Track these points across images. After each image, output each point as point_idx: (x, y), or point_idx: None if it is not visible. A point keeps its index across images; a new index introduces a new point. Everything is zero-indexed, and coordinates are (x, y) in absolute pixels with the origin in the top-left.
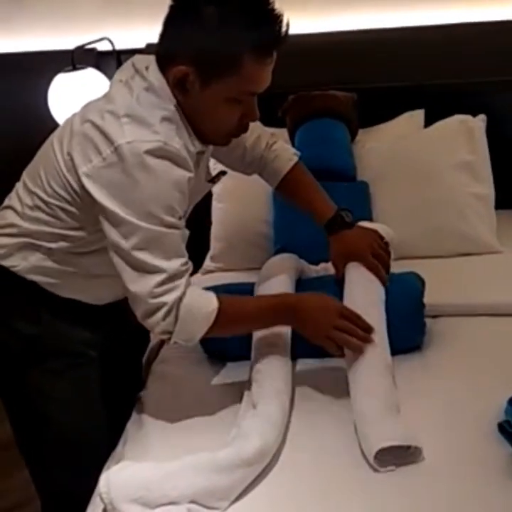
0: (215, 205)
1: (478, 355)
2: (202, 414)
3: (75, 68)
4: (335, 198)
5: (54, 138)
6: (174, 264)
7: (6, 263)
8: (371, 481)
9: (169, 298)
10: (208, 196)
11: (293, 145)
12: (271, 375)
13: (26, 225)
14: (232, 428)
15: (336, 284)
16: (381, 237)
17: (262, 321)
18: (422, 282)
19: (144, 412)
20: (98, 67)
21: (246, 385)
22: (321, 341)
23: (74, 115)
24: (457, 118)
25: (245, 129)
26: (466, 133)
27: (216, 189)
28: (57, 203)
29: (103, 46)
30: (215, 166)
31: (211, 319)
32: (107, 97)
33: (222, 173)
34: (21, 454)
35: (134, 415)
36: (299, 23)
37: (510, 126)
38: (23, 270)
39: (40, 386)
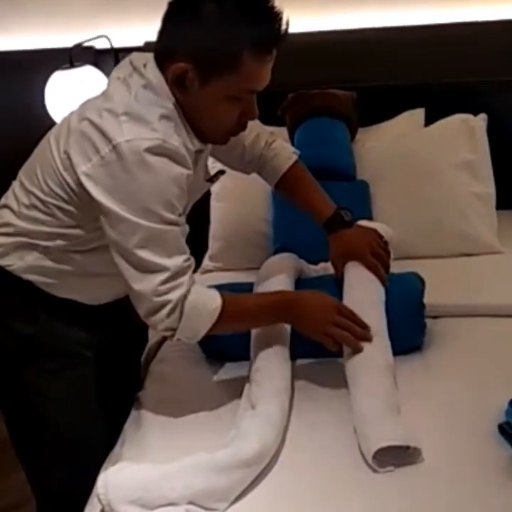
0: (214, 204)
1: (479, 355)
2: (200, 415)
3: (72, 66)
4: (334, 198)
5: (51, 136)
6: (176, 261)
7: (2, 262)
8: (371, 482)
9: (174, 295)
10: (207, 195)
11: (292, 144)
12: (270, 374)
13: (23, 224)
14: (231, 428)
15: (336, 284)
16: (380, 237)
17: (263, 317)
18: (422, 282)
19: (142, 412)
20: (96, 64)
21: (245, 384)
22: (319, 337)
23: (71, 113)
24: (458, 117)
25: (244, 127)
26: (466, 132)
27: (215, 188)
28: (54, 201)
29: (101, 44)
30: (213, 165)
31: (215, 316)
32: (104, 94)
33: (221, 172)
34: (17, 454)
35: (132, 415)
36: (298, 21)
37: (511, 125)
38: (19, 270)
39: (36, 386)
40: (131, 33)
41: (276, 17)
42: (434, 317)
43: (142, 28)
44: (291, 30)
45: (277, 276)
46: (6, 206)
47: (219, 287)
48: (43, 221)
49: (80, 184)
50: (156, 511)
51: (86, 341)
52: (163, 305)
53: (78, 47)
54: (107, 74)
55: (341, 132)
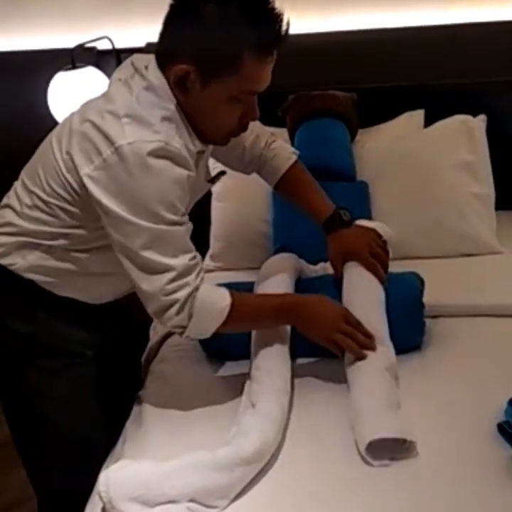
0: (215, 204)
1: (478, 355)
2: (201, 413)
3: (74, 67)
4: (334, 198)
5: (53, 137)
6: (182, 260)
7: (4, 261)
8: (371, 480)
9: (182, 294)
10: (208, 195)
11: (293, 145)
12: (270, 372)
13: (25, 224)
14: (232, 426)
15: (335, 284)
16: (379, 236)
17: (270, 318)
18: (422, 282)
19: (143, 410)
20: (98, 65)
21: (246, 381)
22: (325, 343)
23: (72, 114)
24: (457, 118)
25: (245, 128)
26: (466, 133)
27: (216, 188)
28: (56, 202)
29: (103, 45)
30: (214, 166)
31: (224, 314)
32: (106, 96)
33: (222, 173)
34: (18, 453)
35: (134, 414)
36: (299, 22)
37: (510, 126)
38: (21, 269)
39: (37, 386)
40: (133, 34)
41: (276, 18)
42: (434, 317)
43: (144, 29)
44: (292, 31)
45: (277, 276)
46: (8, 206)
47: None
48: (46, 221)
49: (83, 186)
50: (157, 509)
51: (87, 341)
52: (172, 304)
53: (80, 48)
54: (109, 75)
55: (341, 133)
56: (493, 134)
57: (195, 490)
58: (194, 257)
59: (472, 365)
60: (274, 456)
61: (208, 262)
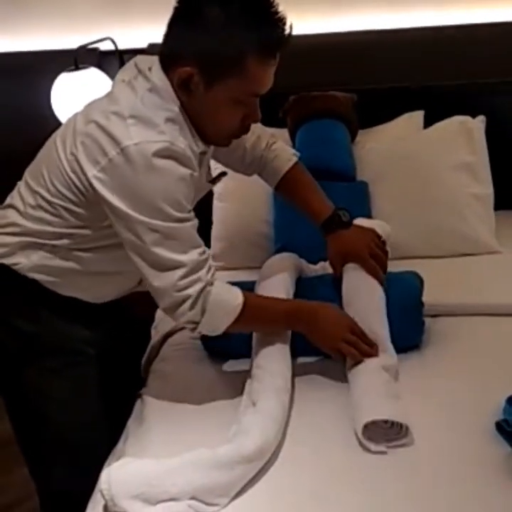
0: (216, 204)
1: (477, 354)
2: (202, 411)
3: (77, 68)
4: (334, 198)
5: (57, 137)
6: (192, 255)
7: (8, 261)
8: (371, 479)
9: (194, 290)
10: (210, 196)
11: (293, 145)
12: (271, 371)
13: (29, 224)
14: (233, 424)
15: (334, 283)
16: (378, 236)
17: (278, 322)
18: (421, 281)
19: (144, 409)
20: (101, 66)
21: (246, 380)
22: (329, 351)
23: (76, 114)
24: (457, 119)
25: (247, 130)
26: (465, 134)
27: (217, 189)
28: (61, 202)
29: (106, 46)
30: (215, 167)
31: (237, 312)
32: (110, 97)
33: (223, 173)
34: (21, 451)
35: (135, 412)
36: (299, 24)
37: (509, 127)
38: (25, 268)
39: (38, 385)
40: (135, 35)
41: (279, 21)
42: (433, 316)
43: (147, 30)
44: (293, 32)
45: (278, 275)
46: (11, 206)
47: None
48: (50, 221)
49: (89, 186)
50: (158, 506)
51: (89, 339)
52: (184, 299)
53: (83, 49)
54: (112, 76)
55: (342, 134)
56: (492, 134)
57: (195, 488)
58: (203, 252)
59: (471, 364)
60: (275, 455)
61: None
